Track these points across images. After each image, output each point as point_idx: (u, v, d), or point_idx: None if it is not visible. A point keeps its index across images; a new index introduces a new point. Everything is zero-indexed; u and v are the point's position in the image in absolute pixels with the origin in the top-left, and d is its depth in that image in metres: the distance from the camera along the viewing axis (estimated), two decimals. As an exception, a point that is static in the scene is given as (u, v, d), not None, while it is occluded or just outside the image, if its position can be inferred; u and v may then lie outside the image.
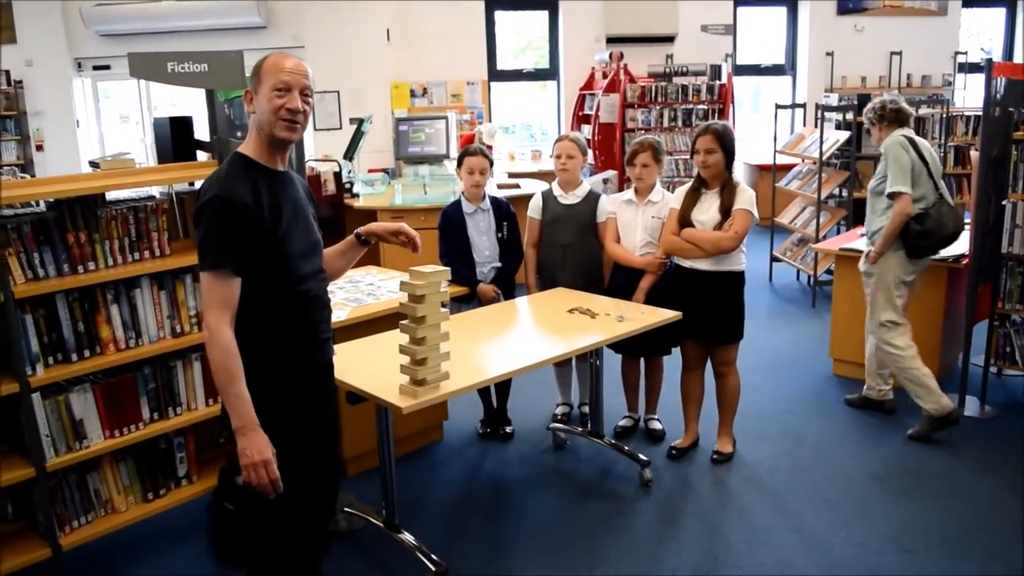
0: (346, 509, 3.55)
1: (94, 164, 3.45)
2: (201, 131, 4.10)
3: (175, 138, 3.65)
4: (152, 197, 3.39)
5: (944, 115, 8.24)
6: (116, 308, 3.14)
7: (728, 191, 3.93)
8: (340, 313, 3.83)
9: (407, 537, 3.32)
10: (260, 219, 2.24)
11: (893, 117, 4.40)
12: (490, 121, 10.45)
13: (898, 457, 4.15)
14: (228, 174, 2.27)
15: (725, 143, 3.92)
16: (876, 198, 4.38)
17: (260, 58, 2.33)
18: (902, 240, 4.24)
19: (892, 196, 4.22)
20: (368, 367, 3.16)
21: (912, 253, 4.26)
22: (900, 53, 11.29)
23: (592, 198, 4.37)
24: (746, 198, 3.91)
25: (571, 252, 4.34)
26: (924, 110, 7.85)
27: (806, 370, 5.42)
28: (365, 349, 3.44)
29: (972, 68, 11.44)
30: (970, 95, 11.31)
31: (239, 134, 3.70)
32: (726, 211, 3.90)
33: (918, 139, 4.32)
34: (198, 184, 3.60)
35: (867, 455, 4.18)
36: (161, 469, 3.39)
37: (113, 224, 3.13)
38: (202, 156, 3.96)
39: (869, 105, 4.55)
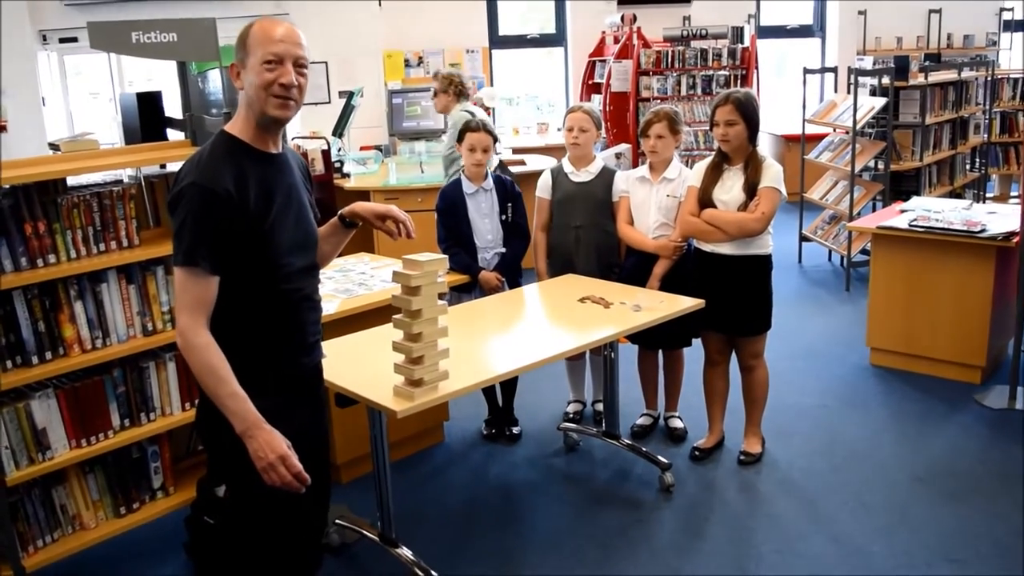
0: (338, 521, 3.50)
1: (54, 146, 3.38)
2: (172, 107, 4.03)
3: (143, 116, 3.57)
4: (119, 181, 3.32)
5: (989, 78, 8.13)
6: (80, 305, 3.07)
7: (753, 167, 3.84)
8: (329, 306, 3.76)
9: (404, 552, 3.27)
10: (244, 209, 2.14)
11: (458, 91, 5.45)
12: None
13: (943, 456, 4.08)
14: (211, 157, 2.17)
15: (747, 113, 3.82)
16: (448, 163, 5.40)
17: (246, 25, 2.21)
18: None
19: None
20: (359, 366, 3.10)
21: None
22: (939, 11, 11.13)
23: (607, 174, 4.29)
24: (773, 174, 3.82)
25: (585, 234, 4.26)
26: (967, 73, 7.72)
27: (840, 360, 5.35)
28: (356, 346, 3.38)
29: (1019, 26, 11.28)
30: (1017, 56, 11.16)
31: (215, 111, 3.63)
32: (751, 189, 3.81)
33: (477, 111, 5.29)
34: (170, 167, 3.57)
35: (909, 454, 4.11)
36: (134, 481, 3.33)
37: (75, 212, 3.05)
38: (174, 135, 3.89)
39: (438, 73, 5.64)
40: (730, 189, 3.87)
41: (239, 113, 2.26)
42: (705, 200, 3.91)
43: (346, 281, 4.20)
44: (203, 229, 2.11)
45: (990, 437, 4.25)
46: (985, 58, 9.77)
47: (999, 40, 11.33)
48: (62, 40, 10.07)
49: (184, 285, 2.14)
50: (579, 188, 4.28)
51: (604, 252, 4.30)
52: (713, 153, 4.01)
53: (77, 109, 10.71)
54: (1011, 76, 9.14)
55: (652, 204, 4.13)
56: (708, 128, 4.04)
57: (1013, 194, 9.37)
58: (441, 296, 2.79)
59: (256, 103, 2.18)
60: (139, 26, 3.13)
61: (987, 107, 8.27)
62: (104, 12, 9.42)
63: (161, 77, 9.21)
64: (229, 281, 2.18)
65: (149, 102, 3.59)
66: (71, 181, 3.19)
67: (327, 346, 3.30)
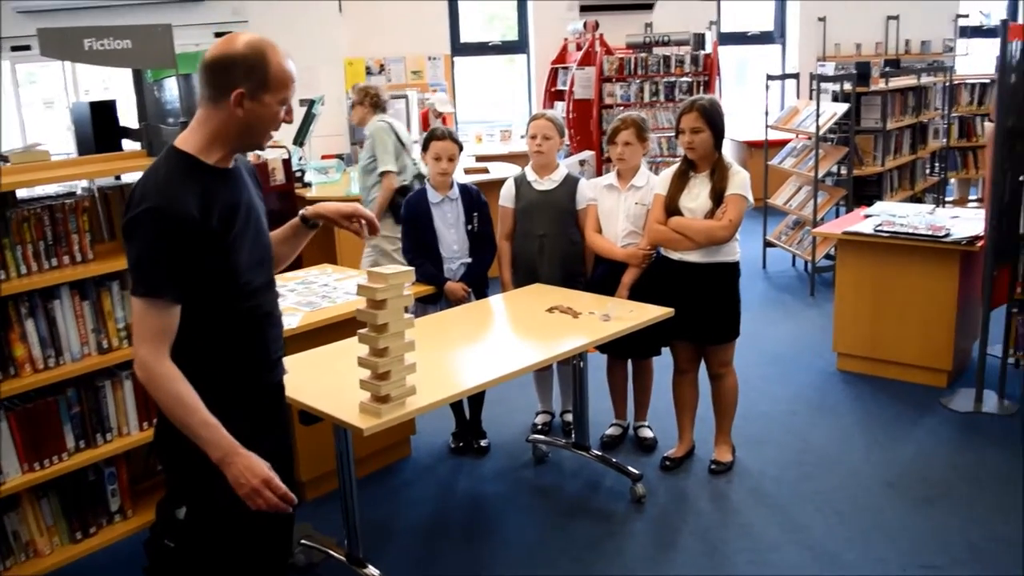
0: (303, 541, 3.41)
1: (2, 158, 3.27)
2: (128, 117, 3.91)
3: (97, 126, 3.46)
4: (72, 194, 3.20)
5: (947, 83, 8.23)
6: (31, 323, 2.96)
7: (719, 174, 3.82)
8: (291, 319, 3.67)
9: (372, 572, 3.18)
10: (207, 231, 2.04)
11: (374, 102, 5.63)
12: (453, 99, 10.30)
13: (913, 461, 4.08)
14: (169, 179, 2.04)
15: (713, 120, 3.79)
16: (366, 174, 5.55)
17: (251, 50, 2.06)
18: (390, 209, 5.37)
19: (381, 174, 5.39)
20: (324, 381, 3.01)
21: (399, 220, 5.13)
22: (897, 17, 11.26)
23: (570, 182, 4.24)
24: (740, 181, 3.80)
25: (549, 243, 4.21)
26: (925, 78, 7.80)
27: (808, 366, 5.35)
28: (320, 360, 3.29)
29: (975, 32, 11.45)
30: (973, 61, 11.31)
31: (171, 120, 3.53)
32: (718, 196, 3.79)
33: (395, 123, 5.60)
34: (125, 178, 3.46)
35: (880, 459, 4.10)
36: (90, 504, 3.21)
37: (25, 226, 2.94)
38: (130, 145, 3.78)
39: (356, 86, 5.82)
40: (697, 196, 3.84)
41: (202, 130, 2.12)
42: (672, 208, 3.88)
43: (309, 293, 4.11)
44: (165, 258, 2.00)
45: (958, 440, 4.26)
46: (943, 64, 9.88)
47: (955, 46, 11.48)
48: (14, 48, 9.85)
49: (145, 315, 2.03)
50: (542, 196, 4.23)
51: (569, 261, 4.25)
52: (679, 160, 3.98)
53: (31, 119, 10.50)
54: (968, 81, 9.26)
55: (620, 212, 4.09)
56: (673, 135, 4.00)
57: (971, 197, 9.50)
58: (407, 309, 2.72)
59: (257, 135, 2.15)
60: (92, 32, 3.02)
61: (946, 112, 8.37)
62: (57, 19, 9.24)
63: (118, 85, 9.06)
64: (190, 303, 2.08)
65: (103, 111, 3.48)
66: (21, 194, 3.07)
67: (290, 361, 3.22)
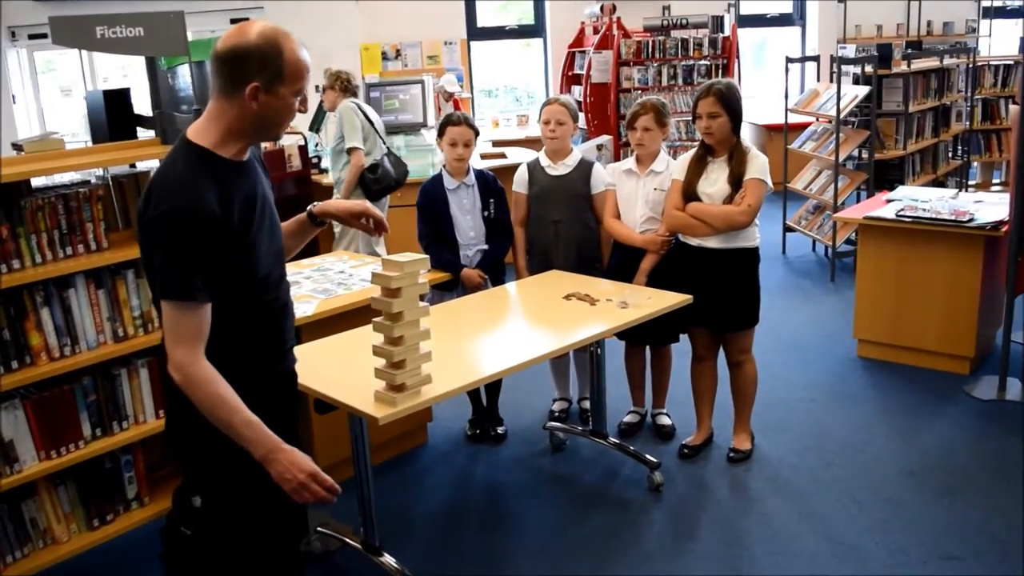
0: (319, 528, 3.41)
1: (17, 147, 3.26)
2: (143, 104, 3.90)
3: (111, 114, 3.44)
4: (86, 182, 3.20)
5: (970, 65, 8.10)
6: (47, 312, 2.96)
7: (738, 158, 3.76)
8: (307, 307, 3.66)
9: (388, 560, 3.18)
10: (229, 228, 2.01)
11: (344, 86, 5.96)
12: (471, 83, 10.25)
13: (934, 450, 4.03)
14: (188, 177, 2.00)
15: (730, 105, 3.74)
16: (337, 155, 5.90)
17: (265, 41, 2.01)
18: (360, 186, 5.72)
19: (349, 151, 5.68)
20: (339, 370, 3.00)
21: (369, 196, 5.65)
22: (919, -2, 11.12)
23: (584, 166, 4.20)
24: (759, 165, 3.74)
25: (563, 228, 4.18)
26: (948, 60, 7.68)
27: (828, 353, 5.29)
28: (336, 348, 3.27)
29: (998, 13, 11.28)
30: (997, 43, 11.15)
31: (184, 107, 3.52)
32: (736, 181, 3.74)
33: (363, 103, 5.94)
34: (140, 166, 3.45)
35: (901, 448, 4.05)
36: (107, 492, 3.23)
37: (40, 215, 2.94)
38: (144, 134, 3.77)
39: (327, 71, 6.09)
40: (715, 182, 3.80)
41: (216, 123, 2.07)
42: (690, 193, 3.83)
43: (325, 281, 4.09)
44: (193, 259, 1.97)
45: (981, 429, 4.21)
46: (965, 45, 9.74)
47: (979, 27, 11.32)
48: (31, 36, 9.88)
49: (178, 319, 2.00)
50: (556, 182, 4.19)
51: (584, 246, 4.22)
52: (696, 145, 3.93)
53: (48, 107, 10.53)
54: (991, 63, 9.12)
55: (639, 198, 4.05)
56: (691, 120, 3.95)
57: (995, 181, 9.37)
58: (422, 297, 2.69)
59: (273, 127, 2.12)
60: (103, 20, 3.00)
61: (969, 94, 8.25)
62: (74, 7, 9.24)
63: (137, 73, 9.06)
64: (213, 301, 2.06)
65: (117, 99, 3.46)
66: (36, 183, 3.08)
67: (305, 349, 3.24)
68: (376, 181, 5.76)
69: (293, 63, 2.03)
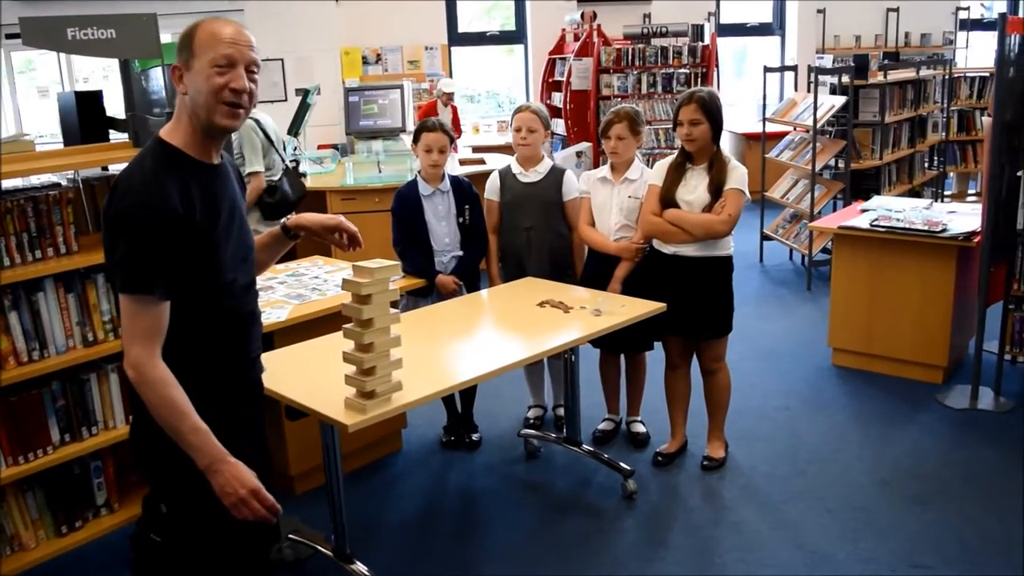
0: (291, 536, 3.38)
1: (-14, 148, 3.23)
2: (116, 107, 3.87)
3: (83, 116, 3.41)
4: (56, 185, 3.17)
5: (946, 76, 8.18)
6: (15, 315, 2.93)
7: (718, 167, 3.78)
8: (280, 312, 3.64)
9: (360, 567, 3.16)
10: (191, 227, 2.00)
11: None
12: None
13: (907, 458, 4.05)
14: (153, 173, 2.00)
15: (712, 113, 3.76)
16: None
17: (190, 25, 2.04)
18: (258, 207, 5.35)
19: (250, 175, 5.24)
20: (311, 376, 2.99)
21: (266, 217, 5.36)
22: (897, 9, 11.20)
23: (556, 174, 4.21)
24: (738, 176, 3.76)
25: (535, 236, 4.18)
26: (925, 71, 7.75)
27: (802, 361, 5.32)
28: (308, 354, 3.26)
29: (975, 25, 11.39)
30: (973, 54, 11.26)
31: (157, 110, 3.49)
32: (716, 190, 3.75)
33: (263, 118, 5.45)
34: (112, 169, 3.42)
35: (872, 456, 4.07)
36: (76, 498, 3.19)
37: (9, 218, 2.91)
38: (116, 137, 3.74)
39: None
40: (694, 189, 3.80)
41: (178, 120, 2.09)
42: (668, 200, 3.84)
43: (298, 286, 4.07)
44: (153, 254, 1.96)
45: (953, 438, 4.24)
46: (943, 57, 9.84)
47: (955, 39, 11.43)
48: (8, 36, 9.79)
49: (135, 314, 1.99)
50: (528, 189, 4.19)
51: (557, 253, 4.22)
52: (675, 152, 3.95)
53: (25, 107, 10.44)
54: (968, 75, 9.22)
55: (614, 205, 4.05)
56: (672, 127, 3.96)
57: (971, 192, 9.46)
58: (394, 304, 2.68)
59: (203, 111, 2.03)
60: (75, 22, 2.97)
61: (945, 105, 8.32)
62: (49, 7, 9.16)
63: (115, 74, 8.99)
64: (174, 301, 2.04)
65: (89, 101, 3.43)
66: (5, 184, 3.04)
67: (277, 355, 3.22)
68: (272, 206, 5.38)
69: (202, 35, 2.02)
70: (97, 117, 3.44)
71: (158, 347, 2.01)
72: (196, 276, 2.06)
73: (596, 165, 8.27)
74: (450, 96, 8.22)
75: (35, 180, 3.19)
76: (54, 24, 3.00)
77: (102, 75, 10.05)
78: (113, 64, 8.65)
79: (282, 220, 2.46)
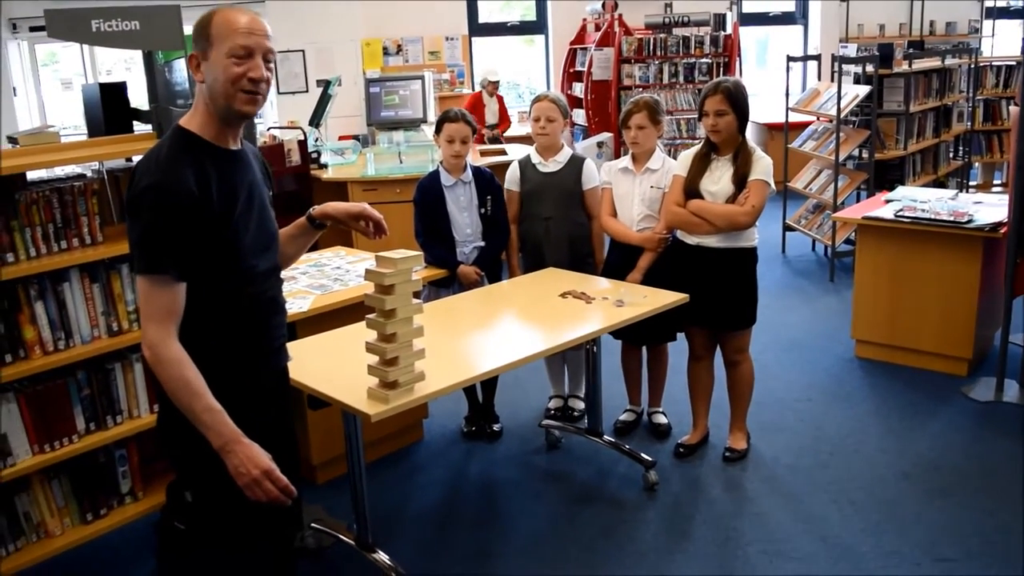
0: (313, 524, 3.40)
1: (12, 140, 3.26)
2: (140, 98, 3.90)
3: (107, 107, 3.44)
4: (81, 176, 3.19)
5: (972, 65, 8.08)
6: (41, 305, 2.95)
7: (743, 158, 3.75)
8: (303, 303, 3.65)
9: (381, 556, 3.17)
10: (208, 210, 2.03)
11: None
12: (472, 79, 10.24)
13: (930, 451, 4.02)
14: (169, 156, 2.03)
15: (737, 103, 3.72)
16: None
17: (205, 14, 2.08)
18: None
19: None
20: (333, 366, 2.99)
21: None
22: (922, -3, 11.10)
23: (575, 163, 4.19)
24: (763, 167, 3.73)
25: (554, 225, 4.17)
26: (950, 60, 7.66)
27: (825, 352, 5.28)
28: (331, 344, 3.27)
29: (1001, 13, 11.25)
30: (999, 43, 11.12)
31: (180, 101, 3.51)
32: (740, 181, 3.72)
33: None
34: (136, 160, 3.44)
35: (896, 449, 4.04)
36: (101, 486, 3.22)
37: (34, 209, 2.93)
38: (140, 128, 3.77)
39: None
40: (719, 180, 3.78)
41: (196, 107, 2.12)
42: (692, 190, 3.81)
43: (321, 276, 4.09)
44: (167, 234, 1.99)
45: (977, 431, 4.20)
46: (968, 45, 9.72)
47: (981, 27, 11.30)
48: (32, 28, 9.88)
49: (150, 294, 2.02)
50: (547, 179, 4.18)
51: (576, 243, 4.21)
52: (700, 142, 3.92)
53: (49, 99, 10.53)
54: (994, 64, 9.10)
55: (635, 196, 4.03)
56: (697, 117, 3.94)
57: (996, 182, 9.35)
58: (416, 294, 2.68)
59: (222, 98, 2.05)
60: (99, 14, 2.99)
61: (970, 95, 8.23)
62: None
63: (138, 66, 9.06)
64: (193, 286, 2.07)
65: (113, 93, 3.46)
66: (31, 176, 3.07)
67: (300, 345, 3.23)
68: None
69: (220, 24, 2.05)
70: (121, 108, 3.47)
71: (174, 328, 2.03)
72: (215, 260, 2.08)
73: (617, 155, 8.25)
74: (496, 85, 8.22)
75: (60, 171, 3.21)
76: (79, 16, 3.02)
77: (124, 67, 10.12)
78: (136, 56, 8.71)
79: (308, 211, 2.46)
